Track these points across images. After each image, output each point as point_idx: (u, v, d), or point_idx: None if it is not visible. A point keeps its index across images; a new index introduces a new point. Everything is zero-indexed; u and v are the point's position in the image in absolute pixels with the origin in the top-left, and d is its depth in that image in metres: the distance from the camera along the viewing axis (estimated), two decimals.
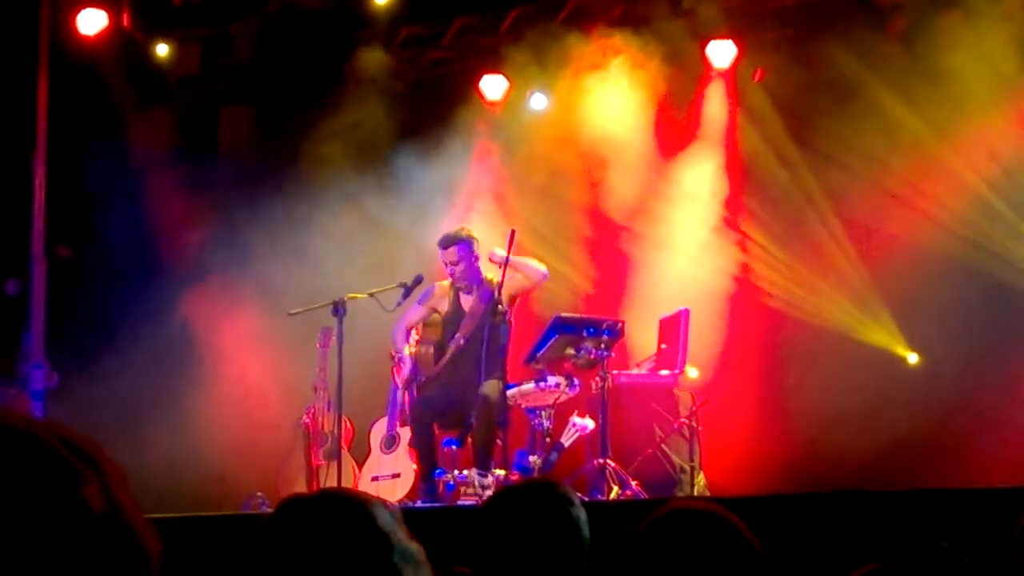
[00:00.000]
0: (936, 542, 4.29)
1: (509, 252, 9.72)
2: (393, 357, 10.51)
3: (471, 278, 10.22)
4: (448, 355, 10.26)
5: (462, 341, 10.15)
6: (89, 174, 12.71)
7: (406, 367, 10.35)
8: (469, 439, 9.76)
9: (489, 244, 10.22)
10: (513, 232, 9.87)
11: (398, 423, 10.60)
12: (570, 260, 12.70)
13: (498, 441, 9.60)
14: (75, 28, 12.60)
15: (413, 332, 10.51)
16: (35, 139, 12.34)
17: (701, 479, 10.39)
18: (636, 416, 10.53)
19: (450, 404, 10.08)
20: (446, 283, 10.40)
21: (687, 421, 10.43)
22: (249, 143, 13.70)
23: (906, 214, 11.55)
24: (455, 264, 10.15)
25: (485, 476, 9.48)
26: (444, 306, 10.38)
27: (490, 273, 10.21)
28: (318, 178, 12.48)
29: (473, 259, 10.18)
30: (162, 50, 13.31)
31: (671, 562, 2.91)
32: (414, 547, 2.15)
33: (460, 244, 10.13)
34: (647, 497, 9.52)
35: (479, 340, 9.86)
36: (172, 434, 11.99)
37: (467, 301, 10.28)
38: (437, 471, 9.79)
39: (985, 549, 6.30)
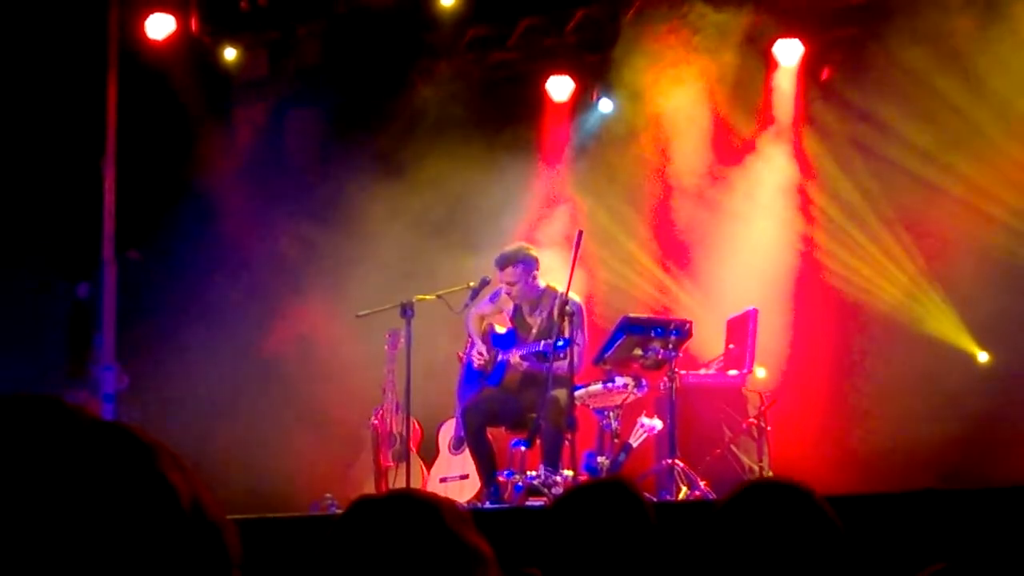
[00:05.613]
0: None
1: (576, 253, 9.66)
2: (461, 358, 10.51)
3: (532, 296, 10.14)
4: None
5: (525, 364, 10.08)
6: (158, 177, 12.82)
7: (480, 349, 10.30)
8: (538, 440, 9.72)
9: (556, 246, 10.14)
10: (580, 232, 9.79)
11: None
12: (638, 260, 12.67)
13: (566, 443, 9.56)
14: (144, 33, 12.71)
15: (480, 347, 10.39)
16: (105, 143, 12.45)
17: None
18: (704, 416, 10.47)
19: (516, 409, 10.05)
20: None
21: (756, 421, 10.37)
22: (316, 145, 13.74)
23: (973, 215, 11.44)
24: (513, 284, 10.04)
25: (555, 473, 9.44)
26: (510, 310, 10.34)
27: (550, 281, 10.16)
28: (385, 181, 12.50)
29: (531, 278, 10.04)
30: (230, 54, 13.41)
31: (753, 534, 2.91)
32: (483, 548, 2.15)
33: (517, 264, 10.01)
34: (716, 498, 9.49)
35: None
36: (241, 435, 12.06)
37: (533, 320, 10.18)
38: (506, 472, 9.75)
39: None
